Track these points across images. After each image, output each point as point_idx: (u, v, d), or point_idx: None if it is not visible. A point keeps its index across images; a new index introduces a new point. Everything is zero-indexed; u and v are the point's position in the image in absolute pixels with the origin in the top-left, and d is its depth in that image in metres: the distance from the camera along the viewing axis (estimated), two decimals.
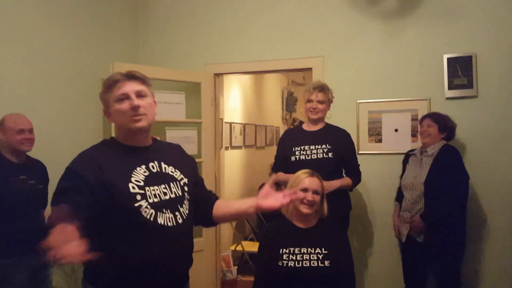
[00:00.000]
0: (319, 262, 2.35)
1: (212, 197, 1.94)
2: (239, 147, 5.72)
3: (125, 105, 1.64)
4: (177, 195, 1.72)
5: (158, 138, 1.88)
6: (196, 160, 3.93)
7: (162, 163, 1.74)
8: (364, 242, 3.63)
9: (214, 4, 4.01)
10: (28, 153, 2.75)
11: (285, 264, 2.35)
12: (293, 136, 3.18)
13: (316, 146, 2.99)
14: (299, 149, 3.01)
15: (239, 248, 4.91)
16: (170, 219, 1.66)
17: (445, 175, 2.95)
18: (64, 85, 3.32)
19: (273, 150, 3.94)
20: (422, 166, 3.06)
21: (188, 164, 1.87)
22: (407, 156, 3.25)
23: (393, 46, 3.54)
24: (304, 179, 2.47)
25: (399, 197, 3.23)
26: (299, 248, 2.38)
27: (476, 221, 3.30)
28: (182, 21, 4.10)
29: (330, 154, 2.96)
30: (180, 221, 1.69)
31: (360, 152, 3.54)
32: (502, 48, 3.29)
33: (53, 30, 3.24)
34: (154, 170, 1.70)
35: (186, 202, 1.75)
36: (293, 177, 2.54)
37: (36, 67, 3.09)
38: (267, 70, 4.27)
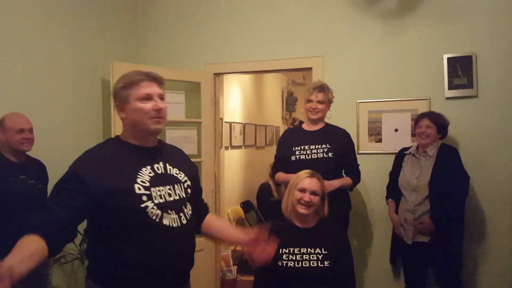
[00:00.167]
0: (319, 262, 2.35)
1: (205, 211, 2.02)
2: (239, 147, 5.72)
3: (148, 105, 1.66)
4: (181, 196, 1.74)
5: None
6: (196, 160, 3.96)
7: (167, 164, 1.75)
8: (364, 241, 3.63)
9: (214, 4, 4.01)
10: (28, 153, 2.75)
11: (285, 264, 2.35)
12: (293, 136, 3.18)
13: (316, 146, 2.99)
14: (299, 148, 3.01)
15: (239, 247, 4.90)
16: (175, 220, 1.68)
17: (450, 176, 2.95)
18: (64, 85, 3.32)
19: (273, 150, 3.93)
20: (422, 167, 3.05)
21: (192, 168, 1.90)
22: (402, 155, 3.22)
23: (393, 46, 3.54)
24: (303, 179, 2.47)
25: (392, 195, 3.24)
26: (299, 248, 2.38)
27: (476, 221, 3.30)
28: (182, 21, 4.09)
29: (330, 154, 2.96)
30: (184, 221, 1.71)
31: (360, 151, 3.54)
32: (502, 48, 3.29)
33: (53, 30, 3.24)
34: (159, 171, 1.71)
35: (188, 203, 1.78)
36: (293, 177, 2.54)
37: (36, 67, 3.09)
38: (267, 70, 4.27)
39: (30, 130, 2.68)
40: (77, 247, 3.07)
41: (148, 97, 1.67)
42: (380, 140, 3.59)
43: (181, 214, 1.71)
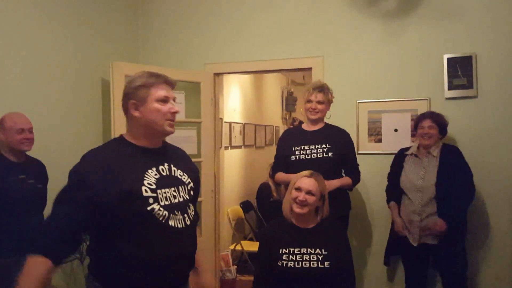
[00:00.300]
0: (319, 263, 2.35)
1: (196, 220, 1.99)
2: (238, 147, 5.72)
3: (165, 108, 1.70)
4: (185, 198, 1.76)
5: None
6: (196, 159, 3.96)
7: (172, 166, 1.77)
8: (364, 241, 3.64)
9: (214, 4, 4.01)
10: (28, 153, 2.74)
11: (284, 265, 2.35)
12: (293, 135, 3.18)
13: (316, 146, 2.99)
14: (298, 148, 3.01)
15: (238, 247, 4.91)
16: (180, 221, 1.71)
17: (457, 176, 2.95)
18: (64, 84, 3.32)
19: (272, 150, 3.94)
20: (426, 167, 3.03)
21: (194, 170, 1.92)
22: (402, 155, 3.20)
23: (393, 46, 3.54)
24: (301, 178, 2.47)
25: (393, 197, 3.21)
26: (299, 249, 2.38)
27: (476, 221, 3.30)
28: (182, 21, 4.09)
29: (329, 154, 2.96)
30: (188, 222, 1.75)
31: (359, 152, 3.54)
32: (502, 49, 3.29)
33: (53, 30, 3.24)
34: (164, 173, 1.72)
35: (191, 204, 1.81)
36: (294, 177, 2.54)
37: (36, 67, 3.09)
38: (266, 70, 4.27)
39: (30, 130, 2.68)
40: None
41: (165, 100, 1.70)
42: (380, 140, 3.59)
43: (185, 215, 1.74)
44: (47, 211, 2.79)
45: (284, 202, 2.53)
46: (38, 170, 2.80)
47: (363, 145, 3.61)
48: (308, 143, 3.01)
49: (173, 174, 1.76)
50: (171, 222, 1.67)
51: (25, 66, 3.00)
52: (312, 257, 2.36)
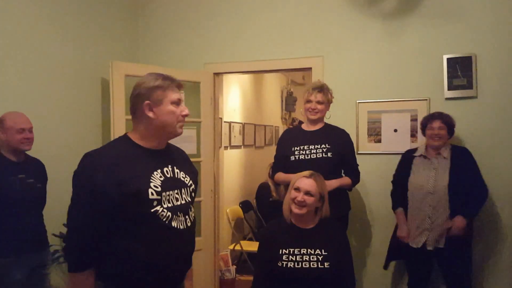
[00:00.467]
0: (319, 263, 2.35)
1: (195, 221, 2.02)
2: (238, 147, 5.72)
3: (179, 110, 1.74)
4: (187, 200, 1.80)
5: None
6: (195, 159, 3.96)
7: (175, 168, 1.79)
8: (363, 241, 3.63)
9: (214, 3, 4.01)
10: (27, 152, 2.74)
11: (284, 265, 2.35)
12: (292, 136, 3.18)
13: (316, 146, 2.99)
14: (298, 148, 3.01)
15: (237, 247, 4.91)
16: (182, 222, 1.75)
17: (468, 177, 2.95)
18: (64, 84, 3.32)
19: (272, 150, 3.93)
20: (437, 169, 2.99)
21: (194, 172, 1.94)
22: (410, 157, 3.15)
23: (393, 46, 3.54)
24: (300, 179, 2.47)
25: (400, 202, 3.15)
26: (298, 249, 2.38)
27: (477, 221, 3.29)
28: (181, 21, 4.09)
29: (329, 154, 2.96)
30: (189, 224, 1.79)
31: (359, 152, 3.54)
32: (502, 49, 3.29)
33: (53, 29, 3.23)
34: (169, 175, 1.75)
35: (192, 206, 1.85)
36: (294, 177, 2.54)
37: (36, 66, 3.08)
38: (266, 70, 4.26)
39: (30, 130, 2.68)
40: None
41: (178, 102, 1.74)
42: (379, 141, 3.59)
43: (187, 217, 1.78)
44: (46, 210, 2.81)
45: (284, 202, 2.53)
46: (37, 170, 2.80)
47: (363, 145, 3.61)
48: (308, 143, 3.01)
49: (176, 176, 1.78)
50: (173, 223, 1.70)
51: (25, 66, 3.00)
52: (312, 258, 2.36)
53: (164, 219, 1.67)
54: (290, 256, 2.36)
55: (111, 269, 1.65)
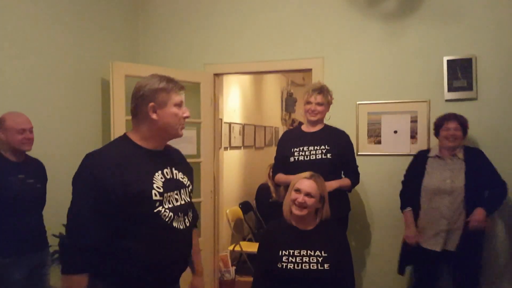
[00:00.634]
0: (319, 265, 2.34)
1: (196, 218, 2.02)
2: (238, 148, 5.72)
3: (180, 112, 1.76)
4: (186, 201, 1.82)
5: None
6: (195, 160, 3.96)
7: (173, 169, 1.81)
8: (363, 243, 3.63)
9: (214, 4, 4.01)
10: (27, 152, 2.74)
11: (284, 266, 2.35)
12: (292, 137, 3.18)
13: (315, 147, 2.99)
14: (297, 150, 3.01)
15: (237, 248, 4.90)
16: (182, 223, 1.77)
17: (486, 176, 2.95)
18: (64, 84, 3.32)
19: (272, 151, 3.94)
20: (453, 170, 2.98)
21: (190, 172, 1.95)
22: (424, 158, 3.12)
23: (393, 47, 3.54)
24: (301, 180, 2.46)
25: (410, 202, 3.12)
26: (298, 250, 2.37)
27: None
28: (182, 21, 4.09)
29: (328, 155, 2.96)
30: (187, 224, 1.81)
31: (359, 153, 3.54)
32: (502, 51, 3.29)
33: (53, 29, 3.23)
34: (168, 176, 1.77)
35: (193, 204, 1.89)
36: (294, 178, 2.54)
37: (36, 66, 3.08)
38: (266, 71, 4.27)
39: (31, 130, 2.68)
40: None
41: (181, 104, 1.77)
42: (379, 142, 3.59)
43: (186, 217, 1.80)
44: (46, 210, 2.80)
45: (284, 203, 2.52)
46: (37, 170, 2.80)
47: (363, 147, 3.61)
48: (307, 145, 3.01)
49: (175, 177, 1.80)
50: (174, 224, 1.73)
51: (25, 66, 3.00)
52: (312, 259, 2.36)
53: (166, 219, 1.69)
54: (290, 258, 2.36)
55: (111, 269, 1.66)
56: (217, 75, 4.05)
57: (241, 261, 4.98)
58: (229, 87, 5.37)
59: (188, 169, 1.93)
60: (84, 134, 3.46)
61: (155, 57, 4.12)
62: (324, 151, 2.97)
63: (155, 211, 1.66)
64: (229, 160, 5.31)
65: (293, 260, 2.36)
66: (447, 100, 3.40)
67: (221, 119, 4.52)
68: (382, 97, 3.57)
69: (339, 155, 3.00)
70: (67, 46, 3.36)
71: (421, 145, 3.45)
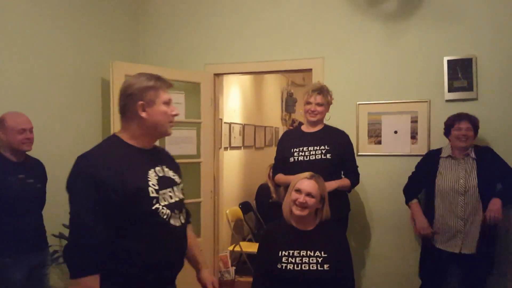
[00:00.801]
0: (319, 265, 2.34)
1: (188, 216, 2.02)
2: (238, 148, 5.72)
3: (169, 110, 1.75)
4: (179, 198, 1.83)
5: None
6: (195, 160, 3.95)
7: (164, 167, 1.82)
8: (363, 243, 3.63)
9: (214, 4, 4.01)
10: (27, 152, 2.74)
11: (284, 267, 2.34)
12: (292, 137, 3.18)
13: (315, 147, 2.99)
14: (297, 150, 3.01)
15: (237, 248, 4.90)
16: (177, 220, 1.78)
17: (502, 172, 2.94)
18: (64, 84, 3.32)
19: (272, 151, 3.93)
20: (466, 170, 2.97)
21: (179, 170, 1.96)
22: (436, 158, 3.10)
23: (393, 47, 3.54)
24: (301, 180, 2.46)
25: (415, 195, 3.15)
26: (298, 251, 2.37)
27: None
28: (182, 21, 4.09)
29: (328, 155, 2.96)
30: (183, 221, 1.82)
31: (359, 153, 3.54)
32: (503, 51, 3.29)
33: (53, 29, 3.23)
34: (161, 174, 1.77)
35: (183, 203, 1.89)
36: (294, 179, 2.54)
37: (36, 66, 3.08)
38: (267, 71, 4.26)
39: (31, 130, 2.68)
40: None
41: (169, 102, 1.76)
42: (379, 142, 3.59)
43: (181, 214, 1.82)
44: (46, 210, 2.80)
45: (284, 204, 2.52)
46: (37, 170, 2.80)
47: (363, 147, 3.61)
48: (307, 145, 3.01)
49: (166, 174, 1.81)
50: (172, 221, 1.74)
51: (25, 66, 3.00)
52: (312, 260, 2.35)
53: (164, 217, 1.70)
54: (290, 258, 2.36)
55: (111, 269, 1.65)
56: (217, 75, 4.05)
57: (241, 262, 4.98)
58: (229, 87, 5.37)
59: (177, 167, 1.93)
60: (84, 134, 3.46)
61: (155, 57, 4.12)
62: (324, 151, 2.97)
63: (153, 208, 1.67)
64: (229, 160, 5.31)
65: (293, 261, 2.35)
66: (447, 100, 3.40)
67: (221, 119, 4.52)
68: (383, 97, 3.57)
69: (339, 155, 2.99)
70: (67, 46, 3.36)
71: (421, 145, 3.45)
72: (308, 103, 3.03)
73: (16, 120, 2.62)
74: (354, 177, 3.08)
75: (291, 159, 3.01)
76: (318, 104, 3.00)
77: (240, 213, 5.28)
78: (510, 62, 3.28)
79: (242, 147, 5.83)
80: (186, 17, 4.08)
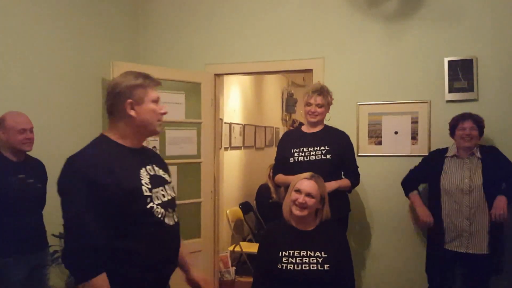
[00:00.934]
0: (319, 265, 2.34)
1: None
2: (238, 148, 5.71)
3: (158, 108, 1.74)
4: (172, 196, 1.82)
5: None
6: (195, 160, 3.94)
7: (154, 166, 1.81)
8: (363, 243, 3.63)
9: (214, 4, 4.01)
10: (28, 152, 2.73)
11: (284, 267, 2.34)
12: (292, 137, 3.18)
13: (315, 148, 2.99)
14: (297, 150, 3.01)
15: (237, 248, 4.90)
16: (171, 218, 1.77)
17: (503, 170, 2.93)
18: (64, 84, 3.32)
19: (272, 151, 3.93)
20: (471, 169, 2.96)
21: (168, 170, 1.94)
22: (441, 157, 3.09)
23: (394, 48, 3.54)
24: (301, 180, 2.46)
25: (413, 187, 3.19)
26: (298, 251, 2.37)
27: None
28: (182, 21, 4.09)
29: (328, 156, 2.96)
30: (176, 220, 1.81)
31: (359, 154, 3.54)
32: (503, 52, 3.29)
33: (53, 29, 3.23)
34: (152, 173, 1.76)
35: (175, 201, 1.87)
36: (294, 179, 2.54)
37: (36, 66, 3.08)
38: (267, 71, 4.27)
39: (31, 130, 2.68)
40: None
41: (158, 100, 1.75)
42: (380, 143, 3.59)
43: (174, 213, 1.80)
44: (46, 210, 2.80)
45: (284, 204, 2.52)
46: (37, 170, 2.79)
47: (363, 148, 3.60)
48: (307, 145, 3.01)
49: (157, 173, 1.80)
50: (166, 220, 1.73)
51: (25, 66, 3.00)
52: (312, 260, 2.35)
53: (159, 216, 1.69)
54: (290, 258, 2.36)
55: (108, 269, 1.63)
56: (217, 75, 4.05)
57: (241, 262, 4.97)
58: (230, 87, 5.37)
59: (165, 166, 1.91)
60: (84, 134, 3.44)
61: (155, 57, 4.12)
62: (324, 151, 2.97)
63: (148, 207, 1.66)
64: (230, 160, 5.31)
65: (293, 261, 2.35)
66: (448, 101, 3.40)
67: (222, 119, 4.52)
68: (383, 98, 3.57)
69: (339, 156, 2.99)
70: (67, 46, 3.36)
71: (421, 146, 3.45)
72: (308, 104, 3.03)
73: (16, 120, 2.61)
74: (354, 177, 3.08)
75: (291, 160, 3.01)
76: (319, 105, 3.00)
77: (240, 213, 5.28)
78: (511, 63, 3.27)
79: (242, 147, 5.83)
80: (186, 17, 4.08)
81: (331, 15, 3.69)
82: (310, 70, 3.78)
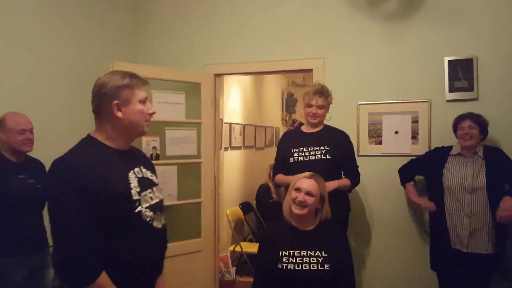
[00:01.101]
0: (319, 265, 2.34)
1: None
2: (238, 148, 5.72)
3: (146, 108, 1.70)
4: (160, 198, 1.79)
5: None
6: (196, 160, 3.94)
7: (142, 168, 1.77)
8: (363, 243, 3.63)
9: (214, 4, 4.01)
10: (28, 152, 2.73)
11: (284, 267, 2.34)
12: (292, 137, 3.18)
13: (315, 148, 2.99)
14: (297, 150, 3.01)
15: (237, 249, 4.90)
16: (159, 221, 1.75)
17: (507, 172, 2.92)
18: (64, 85, 3.31)
19: (272, 151, 3.93)
20: (474, 168, 2.96)
21: (155, 171, 1.91)
22: (444, 155, 3.09)
23: (394, 48, 3.54)
24: (301, 179, 2.46)
25: (410, 178, 3.24)
26: (299, 251, 2.37)
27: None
28: (182, 21, 4.09)
29: (328, 156, 2.96)
30: (163, 222, 1.78)
31: (360, 154, 3.54)
32: (503, 51, 3.29)
33: (53, 29, 3.23)
34: (140, 175, 1.73)
35: (163, 203, 1.84)
36: (294, 178, 2.54)
37: (36, 66, 3.08)
38: (267, 71, 4.26)
39: (31, 131, 2.67)
40: None
41: (145, 100, 1.71)
42: (380, 142, 3.59)
43: (162, 215, 1.78)
44: (46, 211, 2.80)
45: (284, 203, 2.52)
46: (37, 170, 2.79)
47: (364, 147, 3.60)
48: (307, 145, 3.01)
49: (145, 175, 1.76)
50: (155, 223, 1.71)
51: (25, 66, 3.00)
52: (312, 260, 2.35)
53: (147, 219, 1.67)
54: (290, 258, 2.36)
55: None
56: (217, 75, 4.05)
57: (241, 262, 4.98)
58: (230, 87, 5.37)
59: (153, 167, 1.88)
60: (84, 134, 3.42)
61: (155, 57, 4.12)
62: (323, 151, 2.97)
63: (136, 211, 1.63)
64: (230, 160, 5.31)
65: (293, 261, 2.35)
66: (448, 101, 3.40)
67: (222, 119, 4.52)
68: (383, 98, 3.56)
69: (339, 156, 2.99)
70: (67, 46, 3.36)
71: (422, 145, 3.44)
72: (309, 105, 3.02)
73: (16, 121, 2.61)
74: (354, 177, 3.08)
75: (291, 160, 3.01)
76: (319, 107, 3.01)
77: (240, 213, 5.28)
78: (511, 62, 3.27)
79: (242, 147, 5.83)
80: (186, 17, 4.08)
81: (331, 15, 3.69)
82: (310, 70, 3.78)
